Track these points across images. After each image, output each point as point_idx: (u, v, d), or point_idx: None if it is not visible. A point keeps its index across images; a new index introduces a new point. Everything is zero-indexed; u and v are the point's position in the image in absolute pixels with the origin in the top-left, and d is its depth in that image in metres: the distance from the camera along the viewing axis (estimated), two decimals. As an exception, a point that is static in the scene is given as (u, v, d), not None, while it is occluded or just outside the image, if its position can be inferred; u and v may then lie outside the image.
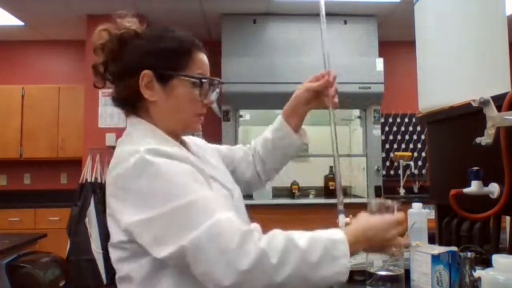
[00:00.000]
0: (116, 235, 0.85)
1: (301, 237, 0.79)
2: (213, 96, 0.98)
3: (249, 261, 0.72)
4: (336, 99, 1.09)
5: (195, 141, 1.10)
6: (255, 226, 0.79)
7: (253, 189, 1.24)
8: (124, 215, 0.80)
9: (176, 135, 0.97)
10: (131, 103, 0.95)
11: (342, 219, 1.05)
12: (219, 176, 0.99)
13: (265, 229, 0.82)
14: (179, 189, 0.78)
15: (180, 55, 0.92)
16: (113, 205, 0.84)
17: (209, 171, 0.94)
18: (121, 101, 0.96)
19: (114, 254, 0.88)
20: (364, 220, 0.89)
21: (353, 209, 3.68)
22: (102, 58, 0.94)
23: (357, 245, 0.82)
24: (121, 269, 0.87)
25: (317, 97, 1.12)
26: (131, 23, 0.97)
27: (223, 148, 1.19)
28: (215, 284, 0.74)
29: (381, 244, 0.86)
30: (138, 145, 0.83)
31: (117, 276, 0.90)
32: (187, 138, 1.07)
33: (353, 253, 0.81)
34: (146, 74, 0.91)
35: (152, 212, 0.76)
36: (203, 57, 0.96)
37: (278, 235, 0.78)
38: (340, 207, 1.07)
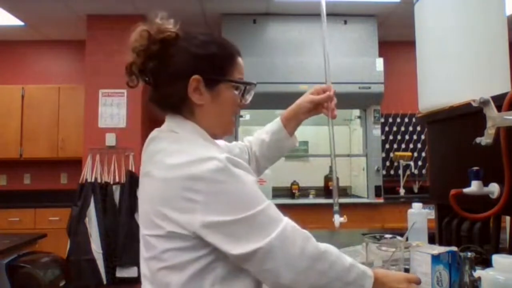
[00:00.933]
0: (171, 228, 0.85)
1: (347, 257, 0.90)
2: (249, 97, 1.04)
3: (306, 263, 0.84)
4: (335, 112, 1.21)
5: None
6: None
7: None
8: (196, 216, 0.82)
9: (218, 136, 1.02)
10: (176, 105, 0.97)
11: (337, 219, 1.18)
12: None
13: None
14: (255, 198, 0.86)
15: (225, 61, 0.98)
16: (174, 213, 0.84)
17: None
18: (165, 101, 0.97)
19: (165, 244, 0.87)
20: (386, 270, 0.99)
21: (353, 209, 3.71)
22: (140, 59, 0.94)
23: (376, 285, 0.91)
24: (173, 258, 0.86)
25: (317, 108, 1.23)
26: (171, 25, 0.98)
27: (221, 144, 1.20)
28: (275, 281, 0.84)
29: None
30: (202, 149, 0.88)
31: (162, 266, 0.88)
32: None
33: None
34: (196, 79, 0.93)
35: (235, 216, 0.83)
36: (242, 62, 1.02)
37: (331, 247, 0.90)
38: (336, 207, 1.18)
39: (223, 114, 0.99)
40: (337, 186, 1.19)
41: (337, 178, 1.17)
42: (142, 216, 0.93)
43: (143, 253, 0.93)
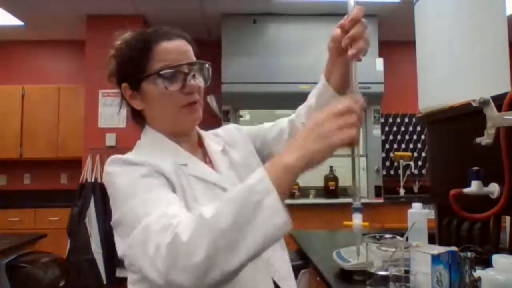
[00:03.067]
0: None
1: (213, 205, 0.67)
2: (196, 80, 0.90)
3: (164, 262, 0.67)
4: (357, 47, 0.79)
5: (218, 132, 1.09)
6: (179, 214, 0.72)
7: None
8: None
9: (179, 134, 0.96)
10: (134, 116, 0.98)
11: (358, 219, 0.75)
12: (218, 179, 0.94)
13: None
14: (124, 196, 0.81)
15: (139, 56, 0.89)
16: None
17: (193, 171, 0.91)
18: (131, 117, 1.00)
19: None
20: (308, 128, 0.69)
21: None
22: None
23: (289, 167, 0.65)
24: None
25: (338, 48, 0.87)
26: (121, 40, 0.96)
27: (254, 130, 1.10)
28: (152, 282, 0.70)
29: (320, 144, 0.65)
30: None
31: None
32: (210, 132, 1.07)
33: (285, 180, 0.65)
34: (123, 87, 0.93)
35: (115, 216, 0.86)
36: (166, 45, 0.88)
37: (189, 217, 0.69)
38: (358, 202, 0.75)
39: (162, 110, 0.91)
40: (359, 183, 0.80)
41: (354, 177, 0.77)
42: None
43: None
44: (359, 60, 0.79)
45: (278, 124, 1.06)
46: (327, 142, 0.65)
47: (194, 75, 0.90)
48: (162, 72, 0.87)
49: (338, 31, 0.85)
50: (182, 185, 0.87)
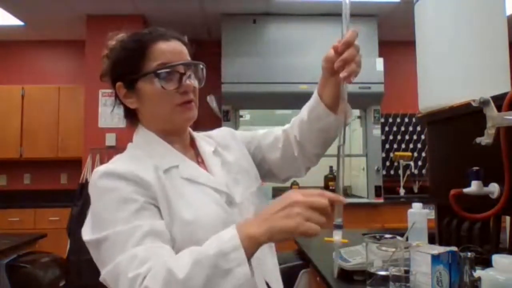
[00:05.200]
0: None
1: (184, 263, 0.69)
2: (191, 80, 0.91)
3: None
4: (350, 69, 0.83)
5: (211, 134, 1.09)
6: (149, 265, 0.73)
7: (292, 175, 1.10)
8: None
9: (171, 133, 0.96)
10: (128, 116, 0.99)
11: (338, 236, 0.80)
12: (209, 179, 0.94)
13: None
14: (107, 220, 0.81)
15: (134, 56, 0.90)
16: None
17: (184, 173, 0.91)
18: (124, 116, 1.00)
19: None
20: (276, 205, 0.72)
21: (353, 209, 3.71)
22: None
23: (253, 239, 0.70)
24: None
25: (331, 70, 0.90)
26: (115, 40, 0.96)
27: (248, 135, 1.12)
28: None
29: (286, 225, 0.69)
30: (114, 160, 0.93)
31: None
32: (202, 134, 1.07)
33: (251, 249, 0.70)
34: (118, 86, 0.94)
35: (93, 236, 0.86)
36: (162, 46, 0.90)
37: (159, 272, 0.70)
38: (339, 220, 0.80)
39: (156, 109, 0.92)
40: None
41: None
42: None
43: None
44: (350, 82, 0.83)
45: (273, 132, 1.08)
46: (292, 226, 0.68)
47: (189, 76, 0.91)
48: (158, 72, 0.88)
49: (331, 52, 0.88)
50: (166, 191, 0.86)
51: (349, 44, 0.83)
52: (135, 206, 0.81)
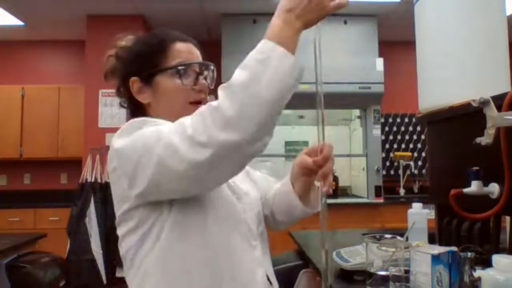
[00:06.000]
0: (121, 209, 0.89)
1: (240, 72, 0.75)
2: (206, 80, 0.98)
3: (210, 123, 0.71)
4: (327, 184, 0.89)
5: None
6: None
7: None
8: (123, 182, 0.85)
9: None
10: (137, 111, 1.00)
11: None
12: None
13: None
14: (139, 145, 0.81)
15: (153, 53, 0.96)
16: (113, 185, 0.90)
17: None
18: (130, 112, 1.03)
19: (120, 230, 0.92)
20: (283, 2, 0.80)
21: (353, 209, 3.68)
22: (113, 80, 1.02)
23: (284, 29, 0.78)
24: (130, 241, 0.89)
25: (310, 173, 0.99)
26: (125, 41, 1.03)
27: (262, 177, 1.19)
28: (192, 161, 0.72)
29: (317, 5, 0.78)
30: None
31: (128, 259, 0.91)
32: None
33: (286, 39, 0.77)
34: (133, 81, 0.97)
35: (131, 163, 0.81)
36: (180, 46, 0.97)
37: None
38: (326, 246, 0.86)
39: (171, 103, 0.95)
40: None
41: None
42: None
43: None
44: (329, 193, 0.90)
45: (266, 178, 1.18)
46: (322, 12, 0.79)
47: (205, 76, 0.98)
48: (179, 68, 0.94)
49: (308, 160, 0.96)
50: None
51: (328, 158, 0.91)
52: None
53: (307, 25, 0.80)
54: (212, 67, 1.01)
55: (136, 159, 0.79)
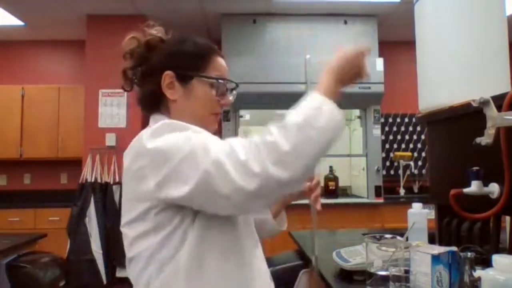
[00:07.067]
0: (139, 209, 0.88)
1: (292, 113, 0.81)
2: (231, 97, 1.05)
3: (265, 156, 0.76)
4: (318, 204, 1.13)
5: None
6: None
7: None
8: (150, 180, 0.84)
9: None
10: (154, 102, 1.01)
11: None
12: None
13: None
14: (180, 145, 0.83)
15: (199, 58, 1.00)
16: (134, 182, 0.88)
17: None
18: (145, 100, 1.03)
19: (134, 230, 0.90)
20: (329, 67, 0.91)
21: (353, 209, 3.69)
22: (131, 63, 1.02)
23: (331, 88, 0.87)
24: (141, 244, 0.89)
25: (301, 195, 1.18)
26: (157, 31, 1.04)
27: None
28: (239, 188, 0.75)
29: (354, 74, 0.92)
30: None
31: (131, 255, 0.91)
32: None
33: (332, 96, 0.85)
34: (168, 74, 0.98)
35: (172, 162, 0.81)
36: (221, 61, 1.03)
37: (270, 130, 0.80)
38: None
39: (197, 109, 1.00)
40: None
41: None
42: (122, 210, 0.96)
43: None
44: (320, 209, 1.11)
45: None
46: (358, 79, 0.93)
47: (232, 94, 1.06)
48: (219, 81, 1.00)
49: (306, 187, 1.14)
50: None
51: (318, 184, 1.14)
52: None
53: (345, 85, 0.92)
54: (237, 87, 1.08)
55: (176, 164, 0.81)
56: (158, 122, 0.96)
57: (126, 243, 0.93)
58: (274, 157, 0.75)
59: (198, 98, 0.99)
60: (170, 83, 0.98)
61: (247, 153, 0.76)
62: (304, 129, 0.77)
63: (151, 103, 1.02)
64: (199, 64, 0.99)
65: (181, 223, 0.86)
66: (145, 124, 1.01)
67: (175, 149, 0.82)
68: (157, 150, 0.84)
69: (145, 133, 0.89)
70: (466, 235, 1.31)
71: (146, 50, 1.01)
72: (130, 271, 0.93)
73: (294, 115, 0.79)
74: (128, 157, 0.91)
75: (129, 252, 0.91)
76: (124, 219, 0.92)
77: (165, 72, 0.98)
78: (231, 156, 0.77)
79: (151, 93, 1.00)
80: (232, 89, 1.06)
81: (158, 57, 1.00)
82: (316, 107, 0.80)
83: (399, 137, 4.90)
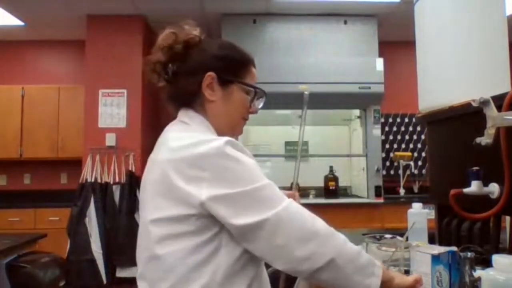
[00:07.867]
0: (178, 209, 0.88)
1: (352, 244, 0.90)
2: (259, 104, 1.11)
3: (319, 236, 0.85)
4: None
5: None
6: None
7: None
8: (202, 189, 0.85)
9: (221, 135, 1.01)
10: (189, 99, 1.04)
11: None
12: None
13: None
14: (257, 175, 0.89)
15: (240, 65, 1.07)
16: (180, 182, 0.87)
17: None
18: (179, 96, 1.05)
19: (167, 228, 0.90)
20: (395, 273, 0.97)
21: (353, 208, 3.70)
22: (165, 57, 1.02)
23: (384, 280, 0.90)
24: (171, 244, 0.89)
25: None
26: (197, 32, 1.07)
27: None
28: (289, 255, 0.84)
29: None
30: (206, 135, 0.95)
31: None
32: None
33: (388, 276, 0.90)
34: (211, 76, 1.01)
35: (236, 189, 0.85)
36: (255, 71, 1.11)
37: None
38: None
39: (231, 113, 1.05)
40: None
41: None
42: (144, 203, 0.96)
43: (141, 244, 0.96)
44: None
45: None
46: None
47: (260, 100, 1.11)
48: (256, 90, 1.08)
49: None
50: None
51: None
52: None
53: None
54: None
55: (248, 191, 0.86)
56: (192, 118, 1.02)
57: (152, 239, 0.91)
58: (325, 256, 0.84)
59: (235, 102, 1.05)
60: (210, 84, 1.02)
61: (321, 229, 0.88)
62: (350, 269, 0.86)
63: (186, 99, 1.04)
64: (240, 71, 1.06)
65: (220, 232, 0.89)
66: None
67: (253, 175, 0.88)
68: (229, 164, 0.87)
69: (207, 136, 0.94)
70: (466, 235, 1.31)
71: (185, 48, 1.03)
72: (150, 268, 0.92)
73: (360, 254, 0.88)
74: (181, 150, 0.89)
75: (155, 249, 0.90)
76: (153, 215, 0.91)
77: (208, 73, 1.01)
78: (303, 224, 0.87)
79: (188, 90, 1.02)
80: (262, 98, 1.12)
81: (201, 58, 1.03)
82: (371, 272, 0.88)
83: (399, 137, 4.90)
